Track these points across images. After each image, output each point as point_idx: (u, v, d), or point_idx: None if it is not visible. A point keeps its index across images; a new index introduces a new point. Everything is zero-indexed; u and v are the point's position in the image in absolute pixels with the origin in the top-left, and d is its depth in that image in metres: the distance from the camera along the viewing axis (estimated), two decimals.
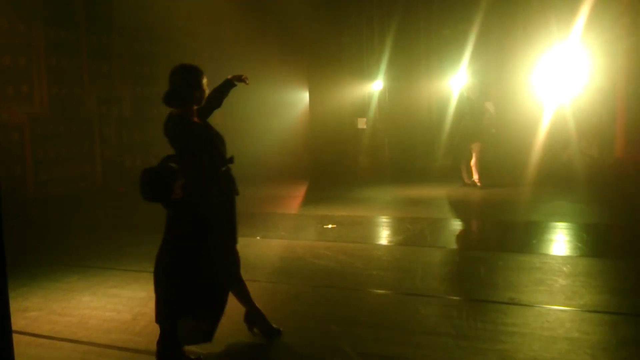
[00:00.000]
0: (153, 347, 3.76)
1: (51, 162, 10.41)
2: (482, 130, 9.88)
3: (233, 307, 4.44)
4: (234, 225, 3.71)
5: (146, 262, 5.89)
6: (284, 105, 14.69)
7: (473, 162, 10.00)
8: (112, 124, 11.83)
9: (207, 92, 3.75)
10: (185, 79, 3.63)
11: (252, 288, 4.94)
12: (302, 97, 14.43)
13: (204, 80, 3.66)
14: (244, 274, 5.30)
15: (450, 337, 3.75)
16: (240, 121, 14.53)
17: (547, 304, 4.28)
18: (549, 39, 10.64)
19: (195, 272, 3.50)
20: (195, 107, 3.69)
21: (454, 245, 6.56)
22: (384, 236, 7.28)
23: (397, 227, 7.44)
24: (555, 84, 10.71)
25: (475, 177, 9.97)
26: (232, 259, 3.75)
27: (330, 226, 7.42)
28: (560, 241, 6.46)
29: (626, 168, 9.99)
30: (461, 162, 10.30)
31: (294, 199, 10.19)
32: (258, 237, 7.01)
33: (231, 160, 3.65)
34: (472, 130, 9.82)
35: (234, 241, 3.73)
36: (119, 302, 4.70)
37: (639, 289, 4.64)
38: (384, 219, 8.05)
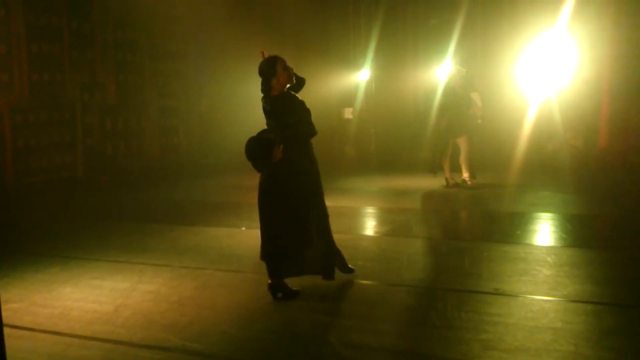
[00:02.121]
0: (136, 338, 3.73)
1: (32, 151, 10.25)
2: (468, 123, 9.17)
3: (220, 297, 4.42)
4: (318, 182, 4.59)
5: (129, 253, 5.85)
6: None
7: (462, 158, 9.22)
8: (95, 111, 11.67)
9: (288, 71, 4.42)
10: (263, 72, 4.43)
11: (237, 278, 4.94)
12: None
13: (279, 66, 4.39)
14: (230, 265, 5.31)
15: (435, 327, 3.76)
16: (225, 110, 14.42)
17: (531, 294, 4.30)
18: (535, 29, 10.67)
19: (283, 220, 4.41)
20: (281, 89, 4.43)
21: (439, 236, 6.57)
22: (370, 227, 7.27)
23: (383, 218, 7.43)
24: (541, 75, 10.74)
25: (465, 175, 9.24)
26: (317, 210, 4.51)
27: None
28: (544, 232, 6.49)
29: (610, 159, 10.08)
30: (443, 159, 9.33)
31: None
32: (243, 228, 6.97)
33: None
34: (457, 123, 9.05)
35: (318, 195, 4.55)
36: (101, 294, 4.64)
37: (622, 279, 4.68)
38: (369, 210, 8.04)
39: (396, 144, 12.75)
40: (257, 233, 6.66)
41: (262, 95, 4.52)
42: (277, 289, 4.38)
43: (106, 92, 11.94)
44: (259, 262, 5.44)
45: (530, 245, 5.83)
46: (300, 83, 4.59)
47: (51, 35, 10.64)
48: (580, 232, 6.33)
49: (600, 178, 9.48)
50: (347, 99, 13.48)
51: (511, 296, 4.27)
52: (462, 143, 9.18)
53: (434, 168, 9.50)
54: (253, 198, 9.73)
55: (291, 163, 4.35)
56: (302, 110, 4.46)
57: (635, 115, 9.96)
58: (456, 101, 9.09)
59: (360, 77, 13.25)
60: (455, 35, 11.69)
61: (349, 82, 13.45)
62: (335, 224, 6.93)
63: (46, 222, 7.81)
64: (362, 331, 3.75)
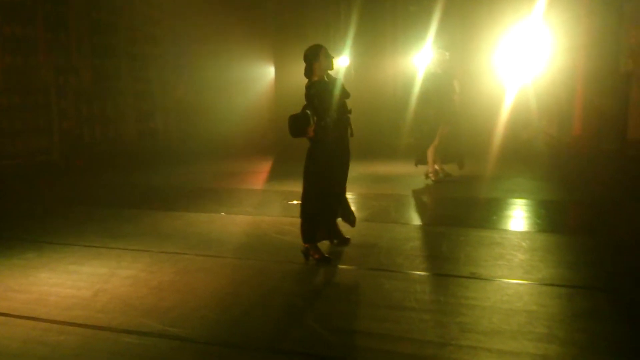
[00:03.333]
0: (115, 323, 3.72)
1: (5, 135, 10.05)
2: (452, 112, 8.51)
3: (199, 282, 4.42)
4: (346, 158, 5.04)
5: (106, 238, 5.81)
6: (249, 80, 14.49)
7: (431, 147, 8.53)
8: (70, 95, 11.48)
9: (329, 59, 4.91)
10: (307, 57, 4.91)
11: (217, 263, 4.95)
12: (268, 72, 14.26)
13: (322, 53, 4.88)
14: (210, 250, 5.31)
15: (413, 310, 3.82)
16: (204, 96, 14.30)
17: (507, 278, 4.39)
18: (512, 18, 10.76)
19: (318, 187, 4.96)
20: (322, 74, 4.89)
21: (417, 222, 6.65)
22: None
23: (362, 204, 7.47)
24: (517, 63, 10.85)
25: (429, 169, 8.65)
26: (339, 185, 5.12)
27: (295, 202, 7.38)
28: (519, 217, 6.60)
29: (583, 146, 10.25)
30: (431, 149, 8.56)
31: (258, 175, 10.13)
32: (222, 213, 6.96)
33: (349, 111, 4.94)
34: (446, 111, 8.42)
35: (342, 171, 5.08)
36: (79, 279, 4.60)
37: (594, 263, 4.80)
38: (348, 195, 8.00)
39: (375, 130, 12.79)
40: (236, 218, 6.73)
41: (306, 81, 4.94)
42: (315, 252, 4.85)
43: (81, 75, 11.74)
44: (238, 246, 5.48)
45: (506, 230, 5.94)
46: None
47: (24, 16, 10.39)
48: (553, 218, 6.46)
49: (574, 165, 9.65)
50: None
51: (487, 280, 4.35)
52: (438, 132, 8.50)
53: (420, 159, 8.81)
54: (231, 184, 9.74)
55: (317, 143, 4.82)
56: (333, 100, 4.80)
57: (608, 103, 10.12)
58: (438, 87, 8.47)
59: (339, 63, 13.22)
60: (434, 22, 11.72)
61: None
62: None
63: (21, 207, 7.69)
64: (341, 315, 3.80)
